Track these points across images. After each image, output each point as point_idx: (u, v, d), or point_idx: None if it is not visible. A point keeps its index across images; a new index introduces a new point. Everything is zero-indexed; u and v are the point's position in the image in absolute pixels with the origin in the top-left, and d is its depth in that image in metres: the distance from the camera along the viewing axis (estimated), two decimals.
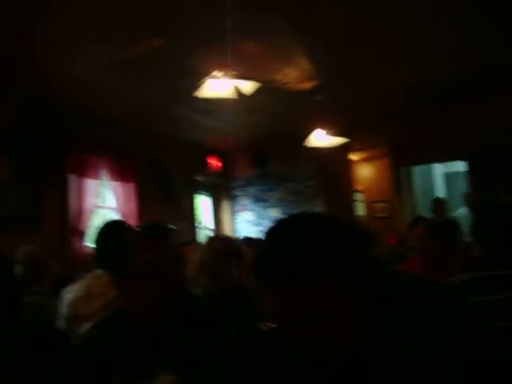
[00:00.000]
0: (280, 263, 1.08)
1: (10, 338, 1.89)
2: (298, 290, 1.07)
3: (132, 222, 6.71)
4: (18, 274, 3.46)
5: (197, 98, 5.02)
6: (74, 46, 4.54)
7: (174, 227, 1.83)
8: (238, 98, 4.80)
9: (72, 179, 6.38)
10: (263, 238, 1.17)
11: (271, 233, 1.18)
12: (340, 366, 1.16)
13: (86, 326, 2.83)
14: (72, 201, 6.35)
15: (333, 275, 1.07)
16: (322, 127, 6.34)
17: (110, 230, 3.13)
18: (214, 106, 6.18)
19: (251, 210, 9.31)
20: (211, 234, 8.74)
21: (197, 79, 4.80)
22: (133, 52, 4.64)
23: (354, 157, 9.28)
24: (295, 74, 5.67)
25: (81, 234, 6.38)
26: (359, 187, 9.51)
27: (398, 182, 8.74)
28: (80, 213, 6.42)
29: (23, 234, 5.36)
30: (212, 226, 9.47)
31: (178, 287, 1.70)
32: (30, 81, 5.23)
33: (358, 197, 9.51)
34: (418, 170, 9.34)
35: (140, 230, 1.72)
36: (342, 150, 7.46)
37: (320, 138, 6.50)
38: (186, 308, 1.68)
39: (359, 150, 8.94)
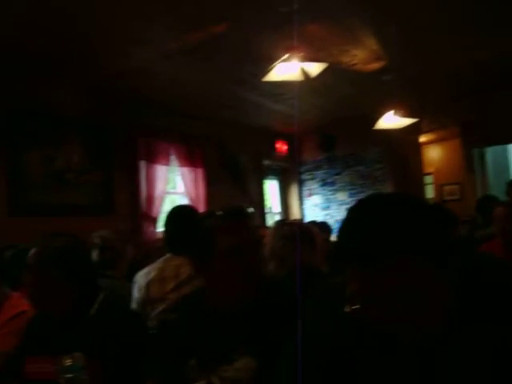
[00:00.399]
0: (369, 242, 1.03)
1: (87, 321, 1.96)
2: (386, 270, 1.02)
3: (201, 207, 6.81)
4: (92, 259, 3.59)
5: (263, 82, 4.99)
6: (140, 36, 4.61)
7: (252, 211, 1.84)
8: (304, 80, 4.75)
9: (143, 166, 6.53)
10: (331, 221, 1.14)
11: (356, 212, 1.13)
12: (429, 352, 1.11)
13: (159, 309, 2.91)
14: (143, 187, 6.50)
15: (422, 256, 1.01)
16: (391, 108, 6.20)
17: (182, 215, 3.19)
18: (280, 89, 6.16)
19: (319, 194, 9.25)
20: (279, 218, 8.77)
21: (263, 63, 4.79)
22: (198, 39, 4.67)
23: (423, 138, 9.04)
24: (363, 55, 5.57)
25: (152, 220, 6.53)
26: (429, 169, 9.29)
27: (470, 164, 8.44)
28: (151, 199, 6.56)
29: (97, 220, 5.52)
30: (280, 210, 9.49)
31: (258, 270, 1.70)
32: (100, 71, 5.37)
33: (428, 179, 9.30)
34: (491, 151, 8.96)
35: (222, 214, 1.73)
36: (411, 131, 7.27)
37: (388, 120, 6.35)
38: (265, 291, 1.67)
39: (429, 131, 8.68)
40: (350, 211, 1.13)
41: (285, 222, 4.17)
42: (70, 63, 5.09)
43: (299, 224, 3.32)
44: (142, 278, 3.09)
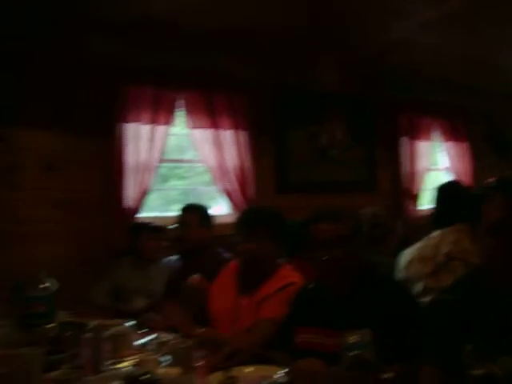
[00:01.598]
0: None
1: (363, 296, 1.99)
2: None
3: (466, 182, 6.49)
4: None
5: None
6: (399, 8, 4.49)
7: None
8: None
9: (405, 142, 6.42)
10: None
11: None
12: None
13: (417, 288, 2.85)
14: (405, 164, 6.39)
15: None
16: None
17: (452, 189, 3.09)
18: None
19: None
20: None
21: None
22: (455, 4, 4.38)
23: None
24: None
25: (414, 197, 6.40)
26: None
27: None
28: (413, 175, 6.43)
29: (360, 197, 5.55)
30: None
31: None
32: (361, 47, 5.37)
33: None
34: None
35: (494, 183, 1.57)
36: None
37: None
38: None
39: None
40: None
41: None
42: (331, 40, 5.17)
43: None
44: (403, 257, 3.09)
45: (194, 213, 3.59)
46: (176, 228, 3.65)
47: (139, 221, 4.41)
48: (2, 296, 2.48)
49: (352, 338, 1.42)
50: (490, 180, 1.58)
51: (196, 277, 2.90)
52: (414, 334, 1.76)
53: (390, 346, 1.65)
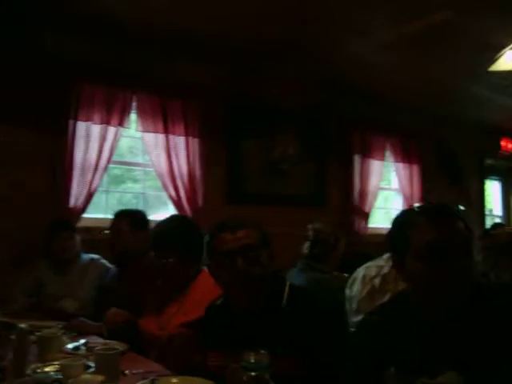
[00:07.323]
0: None
1: (278, 314, 1.93)
2: None
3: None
4: (303, 251, 3.66)
5: (489, 73, 4.64)
6: (356, 25, 4.54)
7: (461, 208, 1.67)
8: None
9: (357, 159, 6.47)
10: None
11: None
12: None
13: (353, 307, 2.90)
14: (356, 181, 6.45)
15: None
16: None
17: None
18: (508, 80, 5.67)
19: None
20: (499, 221, 8.19)
21: (489, 52, 4.43)
22: (415, 28, 4.46)
23: None
24: None
25: (364, 215, 6.45)
26: None
27: None
28: (364, 193, 6.49)
29: (309, 211, 5.54)
30: (501, 213, 8.83)
31: (465, 274, 1.50)
32: (315, 63, 5.41)
33: None
34: None
35: (420, 209, 1.60)
36: None
37: None
38: (475, 299, 1.49)
39: None
40: None
41: (490, 232, 3.76)
42: (289, 54, 5.18)
43: (509, 233, 2.97)
44: (355, 273, 3.11)
45: (125, 219, 3.50)
46: (108, 234, 3.57)
47: (56, 220, 4.14)
48: None
49: (251, 359, 1.38)
50: (415, 205, 1.62)
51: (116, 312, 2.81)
52: (330, 355, 1.75)
53: (305, 368, 1.65)
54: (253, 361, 1.36)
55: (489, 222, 7.96)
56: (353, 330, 1.90)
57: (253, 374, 1.36)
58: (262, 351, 1.37)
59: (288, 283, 2.02)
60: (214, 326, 2.09)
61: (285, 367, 1.65)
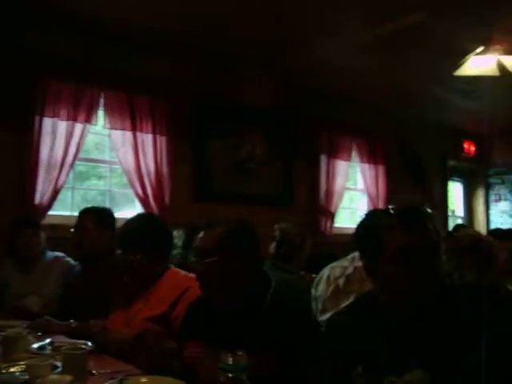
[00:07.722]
0: None
1: (259, 314, 1.93)
2: None
3: (380, 205, 6.68)
4: (270, 251, 3.67)
5: (453, 78, 4.72)
6: (328, 27, 4.57)
7: (431, 211, 1.71)
8: (500, 76, 4.41)
9: (323, 159, 6.53)
10: None
11: None
12: None
13: (318, 307, 2.93)
14: (322, 181, 6.50)
15: None
16: None
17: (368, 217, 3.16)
18: (471, 85, 5.78)
19: (507, 200, 8.61)
20: (462, 223, 8.34)
21: (455, 56, 4.52)
22: (385, 31, 4.51)
23: None
24: None
25: (330, 215, 6.51)
26: None
27: None
28: (330, 193, 6.54)
29: (276, 211, 5.60)
30: (463, 214, 9.00)
31: (433, 275, 1.55)
32: (284, 63, 5.44)
33: None
34: None
35: (394, 212, 1.62)
36: None
37: None
38: (440, 299, 1.53)
39: None
40: None
41: (453, 234, 3.83)
42: (258, 54, 5.20)
43: (472, 235, 3.02)
44: (320, 273, 3.13)
45: (90, 216, 3.45)
46: (73, 232, 3.52)
47: (20, 216, 4.07)
48: None
49: (229, 360, 1.40)
50: (390, 207, 1.64)
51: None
52: (299, 354, 1.76)
53: (279, 367, 1.67)
54: (231, 362, 1.37)
55: (451, 223, 8.11)
56: (322, 329, 1.91)
57: (230, 375, 1.37)
58: (240, 352, 1.39)
59: (273, 283, 2.03)
60: (194, 321, 2.10)
61: (260, 365, 1.66)
